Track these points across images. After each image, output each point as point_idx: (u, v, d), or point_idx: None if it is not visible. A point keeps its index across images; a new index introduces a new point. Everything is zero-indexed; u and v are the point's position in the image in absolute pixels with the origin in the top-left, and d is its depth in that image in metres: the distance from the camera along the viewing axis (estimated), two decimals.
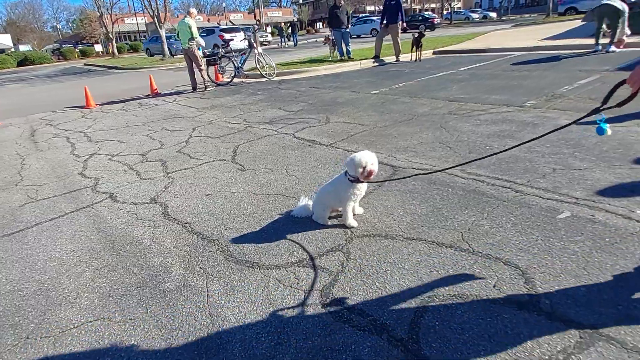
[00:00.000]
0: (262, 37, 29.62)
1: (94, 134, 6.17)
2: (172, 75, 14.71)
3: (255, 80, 10.76)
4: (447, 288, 1.93)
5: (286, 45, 30.18)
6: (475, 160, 2.77)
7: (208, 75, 10.01)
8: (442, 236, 2.39)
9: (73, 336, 1.88)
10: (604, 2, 9.01)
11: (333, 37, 12.25)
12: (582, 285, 1.84)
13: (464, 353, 1.55)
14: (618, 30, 8.97)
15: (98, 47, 48.90)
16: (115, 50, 34.09)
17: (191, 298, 2.06)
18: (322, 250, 2.38)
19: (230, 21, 58.72)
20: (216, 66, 10.26)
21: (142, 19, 50.93)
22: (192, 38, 8.98)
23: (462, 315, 1.74)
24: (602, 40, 9.51)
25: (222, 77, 10.94)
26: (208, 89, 9.80)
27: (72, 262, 2.54)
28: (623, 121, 4.02)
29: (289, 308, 1.91)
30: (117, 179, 4.00)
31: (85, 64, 30.84)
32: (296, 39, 30.54)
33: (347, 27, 11.92)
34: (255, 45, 10.07)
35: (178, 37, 9.23)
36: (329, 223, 2.68)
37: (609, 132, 1.68)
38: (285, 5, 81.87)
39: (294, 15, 70.52)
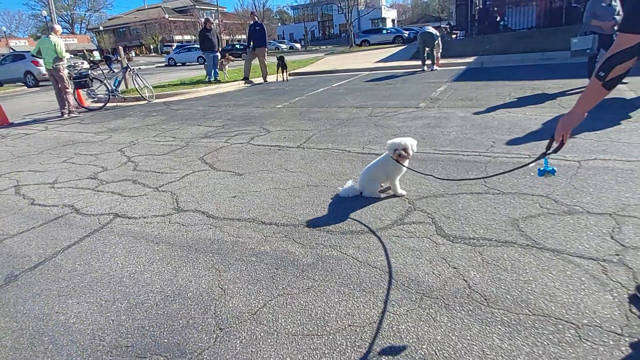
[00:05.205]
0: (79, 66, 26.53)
1: None
2: None
3: (132, 103, 9.89)
4: (514, 206, 2.68)
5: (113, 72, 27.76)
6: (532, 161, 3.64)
7: (75, 99, 8.76)
8: (472, 188, 3.15)
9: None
10: (423, 30, 11.74)
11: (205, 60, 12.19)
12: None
13: (559, 239, 2.31)
14: (436, 53, 11.78)
15: None
16: None
17: (343, 262, 2.28)
18: (402, 213, 2.85)
19: (11, 48, 49.72)
20: (79, 90, 9.07)
21: None
22: (59, 57, 7.84)
23: (538, 217, 2.52)
24: (427, 62, 12.25)
25: (90, 101, 9.67)
26: (72, 114, 8.57)
27: (175, 265, 2.35)
28: (521, 106, 5.63)
29: (426, 249, 2.35)
30: (97, 201, 3.52)
31: None
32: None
33: (218, 50, 12.07)
34: (130, 66, 9.31)
35: (39, 55, 7.91)
36: (381, 196, 3.15)
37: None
38: (79, 32, 74.14)
39: (94, 43, 64.97)
